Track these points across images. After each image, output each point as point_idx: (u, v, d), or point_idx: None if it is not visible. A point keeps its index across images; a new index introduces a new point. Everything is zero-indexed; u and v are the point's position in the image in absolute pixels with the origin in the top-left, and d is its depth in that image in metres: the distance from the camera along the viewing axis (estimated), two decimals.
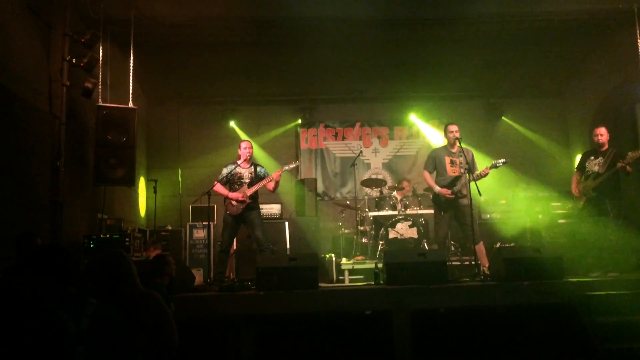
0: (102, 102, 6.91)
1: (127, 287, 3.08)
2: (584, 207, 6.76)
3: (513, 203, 8.72)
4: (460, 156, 6.76)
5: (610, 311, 5.16)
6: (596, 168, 6.68)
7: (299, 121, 10.86)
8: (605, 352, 4.85)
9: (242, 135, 10.37)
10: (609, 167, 6.55)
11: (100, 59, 6.89)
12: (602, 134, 6.75)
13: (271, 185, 6.86)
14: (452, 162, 6.83)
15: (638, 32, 7.21)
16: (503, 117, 10.78)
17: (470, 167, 6.57)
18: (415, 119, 10.83)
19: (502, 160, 6.60)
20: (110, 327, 2.36)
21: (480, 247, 6.64)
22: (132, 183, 7.02)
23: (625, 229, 6.55)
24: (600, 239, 6.59)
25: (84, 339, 2.25)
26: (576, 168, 7.08)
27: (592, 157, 6.79)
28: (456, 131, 6.77)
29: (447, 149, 6.95)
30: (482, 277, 6.10)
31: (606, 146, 6.76)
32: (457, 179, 6.73)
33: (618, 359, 4.85)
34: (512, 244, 7.86)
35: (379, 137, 11.05)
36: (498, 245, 7.63)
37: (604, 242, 6.52)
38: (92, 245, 6.26)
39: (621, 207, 6.58)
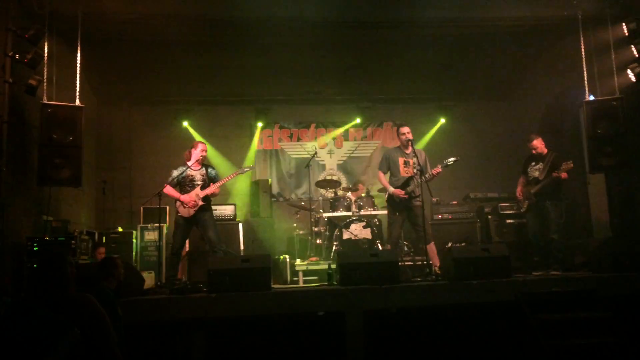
0: (47, 100, 6.67)
1: (59, 291, 2.93)
2: (527, 210, 7.16)
3: (464, 204, 8.94)
4: (414, 157, 6.82)
5: (555, 309, 5.32)
6: (537, 174, 6.99)
7: (256, 123, 10.76)
8: (550, 348, 4.98)
9: (196, 135, 10.19)
10: (547, 173, 6.84)
11: (46, 55, 6.64)
12: (536, 144, 7.14)
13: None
14: (405, 163, 6.90)
15: (582, 38, 7.45)
16: (453, 120, 10.96)
17: (423, 168, 6.65)
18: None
19: (452, 158, 6.71)
20: (32, 324, 2.26)
21: (432, 247, 6.76)
22: (78, 184, 6.78)
23: (566, 229, 6.83)
24: (543, 239, 6.89)
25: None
26: (521, 171, 7.36)
27: (533, 163, 7.13)
28: (408, 133, 6.86)
29: (400, 149, 7.02)
30: (434, 276, 6.19)
31: (545, 152, 7.05)
32: (410, 179, 6.80)
33: (563, 355, 4.99)
34: (462, 244, 8.02)
35: (333, 139, 11.09)
36: (449, 245, 7.77)
37: (548, 241, 6.80)
38: (35, 248, 6.04)
39: (562, 209, 6.88)
